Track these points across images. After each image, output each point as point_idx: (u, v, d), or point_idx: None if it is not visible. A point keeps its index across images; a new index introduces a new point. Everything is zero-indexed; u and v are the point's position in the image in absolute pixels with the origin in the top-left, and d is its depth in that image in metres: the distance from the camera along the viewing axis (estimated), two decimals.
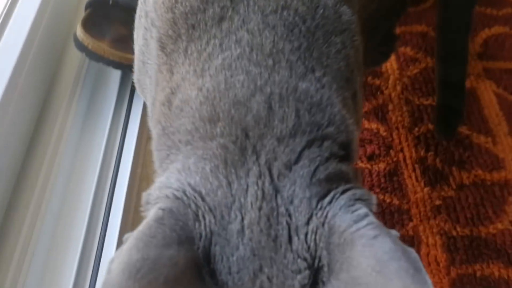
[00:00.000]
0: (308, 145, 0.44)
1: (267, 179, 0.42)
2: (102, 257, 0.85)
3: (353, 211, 0.41)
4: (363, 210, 0.41)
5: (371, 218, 0.40)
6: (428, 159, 1.02)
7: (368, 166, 1.01)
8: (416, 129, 1.07)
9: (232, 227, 0.41)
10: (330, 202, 0.42)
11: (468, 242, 0.91)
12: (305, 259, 0.41)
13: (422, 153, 1.03)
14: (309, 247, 0.41)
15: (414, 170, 1.01)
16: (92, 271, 0.83)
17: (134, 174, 0.95)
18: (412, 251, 0.38)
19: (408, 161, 1.02)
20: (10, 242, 0.78)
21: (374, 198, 0.44)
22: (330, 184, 0.43)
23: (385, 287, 0.36)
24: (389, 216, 0.94)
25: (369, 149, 1.04)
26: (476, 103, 1.11)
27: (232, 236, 0.41)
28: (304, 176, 0.43)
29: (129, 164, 0.94)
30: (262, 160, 0.43)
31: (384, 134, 1.07)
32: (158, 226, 0.40)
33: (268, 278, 0.41)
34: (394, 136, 1.06)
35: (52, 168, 0.88)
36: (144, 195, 0.46)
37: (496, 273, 0.87)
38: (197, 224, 0.41)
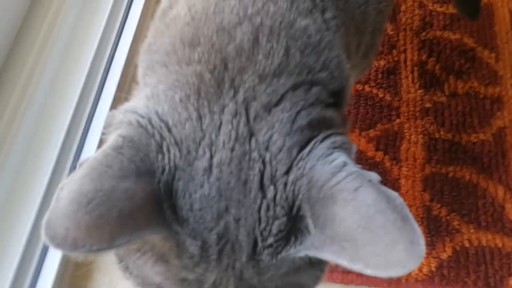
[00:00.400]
0: (293, 88, 0.41)
1: (243, 119, 0.40)
2: (94, 116, 0.88)
3: (331, 161, 0.39)
4: (341, 159, 0.39)
5: (350, 167, 0.38)
6: (429, 64, 1.03)
7: None
8: (424, 33, 1.07)
9: (198, 163, 0.39)
10: (309, 152, 0.40)
11: (448, 145, 0.94)
12: (282, 207, 0.39)
13: (424, 57, 1.04)
14: (287, 197, 0.39)
15: (412, 72, 1.02)
16: (84, 128, 0.86)
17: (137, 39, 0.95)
18: (396, 196, 0.36)
19: (409, 63, 1.03)
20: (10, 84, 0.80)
21: (354, 147, 0.42)
22: (311, 131, 0.41)
23: (374, 243, 0.35)
24: (378, 110, 0.97)
25: None
26: (488, 18, 1.09)
27: (198, 173, 0.39)
28: (284, 122, 0.40)
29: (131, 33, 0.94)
30: (240, 97, 0.40)
31: (391, 33, 1.06)
32: (116, 155, 0.37)
33: (234, 219, 0.39)
34: (400, 37, 1.06)
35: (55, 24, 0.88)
36: (108, 115, 0.43)
37: (467, 177, 0.91)
38: (160, 157, 0.39)
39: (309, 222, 0.38)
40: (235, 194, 0.39)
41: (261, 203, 0.39)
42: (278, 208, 0.39)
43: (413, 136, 0.94)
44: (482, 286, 0.81)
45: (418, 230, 0.35)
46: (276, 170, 0.39)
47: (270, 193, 0.39)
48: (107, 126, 0.42)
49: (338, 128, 0.43)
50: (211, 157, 0.39)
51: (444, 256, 0.83)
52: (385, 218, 0.35)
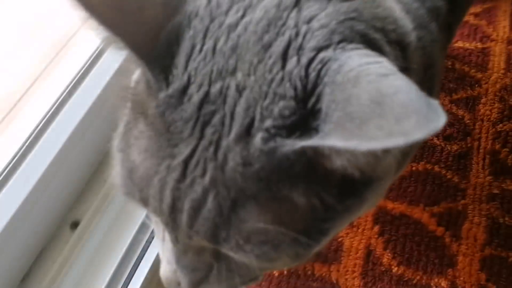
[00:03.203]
0: None
1: None
2: None
3: (370, 57, 0.35)
4: (386, 61, 0.34)
5: (389, 64, 0.34)
6: (502, 154, 1.08)
7: (442, 144, 1.10)
8: (501, 125, 1.13)
9: (223, 19, 0.36)
10: (353, 49, 0.35)
11: (511, 232, 0.98)
12: (294, 88, 0.35)
13: (498, 147, 1.09)
14: (307, 76, 0.34)
15: (484, 159, 1.08)
16: None
17: None
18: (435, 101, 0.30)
19: (481, 150, 1.09)
20: None
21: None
22: (363, 38, 0.37)
23: (382, 115, 0.30)
24: (444, 189, 1.03)
25: (448, 131, 1.12)
26: None
27: (216, 27, 0.36)
28: (340, 12, 0.37)
29: None
30: None
31: (468, 122, 1.14)
32: None
33: (238, 86, 0.35)
34: (477, 126, 1.13)
35: None
36: None
37: None
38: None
39: (321, 114, 0.33)
40: (250, 55, 0.35)
41: (276, 74, 0.35)
42: (287, 85, 0.34)
43: (476, 218, 0.99)
44: None
45: (443, 116, 0.29)
46: (308, 43, 0.35)
47: (290, 65, 0.35)
48: None
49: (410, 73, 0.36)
50: (242, 16, 0.36)
51: None
52: (407, 96, 0.30)
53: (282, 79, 0.35)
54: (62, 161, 0.89)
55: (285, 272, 0.93)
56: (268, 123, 0.34)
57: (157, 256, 0.89)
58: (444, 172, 1.06)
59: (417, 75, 0.44)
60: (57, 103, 0.93)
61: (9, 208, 0.81)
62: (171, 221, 0.37)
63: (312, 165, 0.34)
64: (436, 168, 1.06)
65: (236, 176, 0.34)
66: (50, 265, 0.89)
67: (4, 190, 0.84)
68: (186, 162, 0.35)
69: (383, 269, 0.94)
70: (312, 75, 0.34)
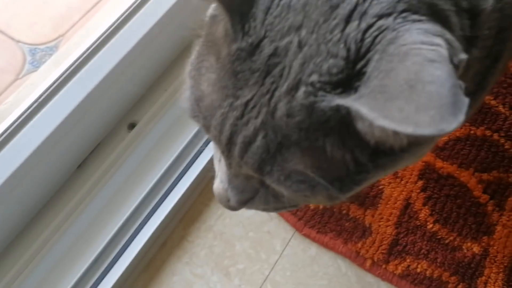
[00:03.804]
0: None
1: None
2: None
3: (428, 36, 0.35)
4: (442, 45, 0.34)
5: (443, 49, 0.34)
6: None
7: (507, 113, 1.05)
8: None
9: None
10: (415, 21, 0.36)
11: None
12: (348, 49, 0.36)
13: None
14: (362, 40, 0.36)
15: None
16: None
17: None
18: (465, 99, 0.31)
19: None
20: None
21: (462, 54, 0.36)
22: (430, 10, 0.37)
23: (407, 100, 0.32)
24: (499, 159, 1.00)
25: None
26: None
27: None
28: None
29: None
30: None
31: None
32: None
33: (300, 42, 0.37)
34: None
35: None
36: None
37: None
38: None
39: (365, 77, 0.35)
40: (316, 14, 0.37)
41: (336, 35, 0.36)
42: (341, 46, 0.36)
43: None
44: None
45: (459, 118, 0.30)
46: (372, 9, 0.36)
47: (350, 28, 0.36)
48: None
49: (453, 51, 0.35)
50: None
51: None
52: (438, 89, 0.31)
53: (339, 40, 0.36)
54: (128, 65, 0.93)
55: (321, 206, 0.96)
56: (314, 77, 0.36)
57: (207, 164, 0.95)
58: (502, 141, 1.02)
59: (487, 40, 0.44)
60: (129, 10, 0.95)
61: (74, 100, 0.87)
62: (227, 150, 0.42)
63: (346, 123, 0.37)
64: (495, 136, 1.03)
65: (282, 124, 0.38)
66: (104, 159, 0.96)
67: (72, 81, 0.89)
68: (246, 104, 0.39)
69: (418, 224, 0.95)
70: (367, 40, 0.36)
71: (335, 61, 0.36)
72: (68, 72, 0.89)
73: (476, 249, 0.92)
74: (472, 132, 1.03)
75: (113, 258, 0.89)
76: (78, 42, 1.18)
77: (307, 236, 0.95)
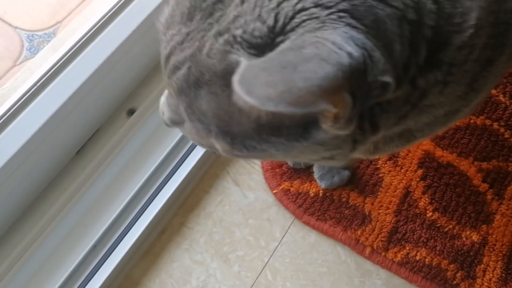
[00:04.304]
0: None
1: None
2: None
3: (348, 42, 0.35)
4: (353, 55, 0.34)
5: (346, 59, 0.34)
6: None
7: (507, 102, 1.06)
8: None
9: None
10: (348, 25, 0.36)
11: None
12: (276, 21, 0.38)
13: None
14: (292, 18, 0.38)
15: None
16: None
17: None
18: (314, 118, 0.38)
19: None
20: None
21: (387, 77, 0.36)
22: (371, 26, 0.37)
23: (273, 78, 0.33)
24: (498, 148, 1.00)
25: None
26: None
27: None
28: None
29: None
30: None
31: None
32: None
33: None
34: None
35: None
36: None
37: None
38: None
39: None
40: None
41: (273, 4, 0.38)
42: (273, 17, 0.38)
43: None
44: None
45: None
46: None
47: (287, 4, 0.38)
48: None
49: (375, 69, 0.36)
50: None
51: None
52: (304, 83, 0.33)
53: (273, 9, 0.38)
54: (126, 51, 0.92)
55: (320, 194, 0.95)
56: (238, 31, 0.39)
57: (206, 152, 0.94)
58: (502, 130, 1.02)
59: (465, 61, 0.43)
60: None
61: (72, 85, 0.86)
62: (165, 67, 0.46)
63: None
64: (495, 125, 1.03)
65: (202, 61, 0.41)
66: (103, 145, 0.95)
67: (70, 67, 0.88)
68: (187, 34, 0.43)
69: (418, 212, 0.95)
70: (295, 20, 0.37)
71: (261, 26, 0.38)
72: (65, 57, 0.88)
73: (475, 237, 0.92)
74: (472, 121, 1.03)
75: (112, 244, 0.89)
76: (75, 28, 1.17)
77: (306, 223, 0.95)
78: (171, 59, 0.44)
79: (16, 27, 1.22)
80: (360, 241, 0.92)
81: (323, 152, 0.44)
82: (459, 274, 0.89)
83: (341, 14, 0.36)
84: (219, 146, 0.45)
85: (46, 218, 0.89)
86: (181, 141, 0.97)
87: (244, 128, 0.42)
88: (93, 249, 0.89)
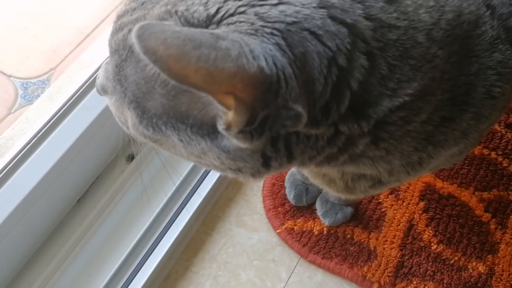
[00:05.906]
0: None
1: None
2: None
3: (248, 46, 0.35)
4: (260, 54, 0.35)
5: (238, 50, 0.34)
6: None
7: (503, 131, 1.07)
8: None
9: None
10: (262, 35, 0.37)
11: None
12: (217, 10, 0.39)
13: None
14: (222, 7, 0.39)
15: None
16: None
17: None
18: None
19: None
20: None
21: (297, 106, 0.37)
22: (289, 48, 0.37)
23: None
24: (498, 177, 1.01)
25: (511, 119, 1.09)
26: None
27: None
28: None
29: None
30: None
31: None
32: None
33: None
34: None
35: None
36: None
37: None
38: None
39: None
40: None
41: None
42: (215, 6, 0.40)
43: None
44: None
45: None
46: None
47: None
48: None
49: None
50: None
51: None
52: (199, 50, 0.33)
53: (219, 2, 0.39)
54: None
55: (325, 231, 0.95)
56: (181, 7, 0.40)
57: (208, 193, 0.93)
58: (500, 159, 1.04)
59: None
60: None
61: (73, 134, 0.86)
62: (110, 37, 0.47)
63: None
64: (493, 155, 1.04)
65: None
66: (104, 191, 0.95)
67: (69, 116, 0.88)
68: (142, 3, 0.44)
69: (422, 245, 0.94)
70: (233, 18, 0.38)
71: (203, 11, 0.39)
72: (64, 108, 0.88)
73: (481, 268, 0.92)
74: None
75: None
76: (71, 75, 1.17)
77: (312, 262, 0.94)
78: (119, 20, 0.46)
79: (10, 76, 1.22)
80: (367, 278, 0.92)
81: (227, 161, 0.43)
82: None
83: (275, 32, 0.37)
84: (130, 118, 0.45)
85: (50, 268, 0.87)
86: (184, 182, 0.97)
87: (155, 105, 0.42)
88: None
